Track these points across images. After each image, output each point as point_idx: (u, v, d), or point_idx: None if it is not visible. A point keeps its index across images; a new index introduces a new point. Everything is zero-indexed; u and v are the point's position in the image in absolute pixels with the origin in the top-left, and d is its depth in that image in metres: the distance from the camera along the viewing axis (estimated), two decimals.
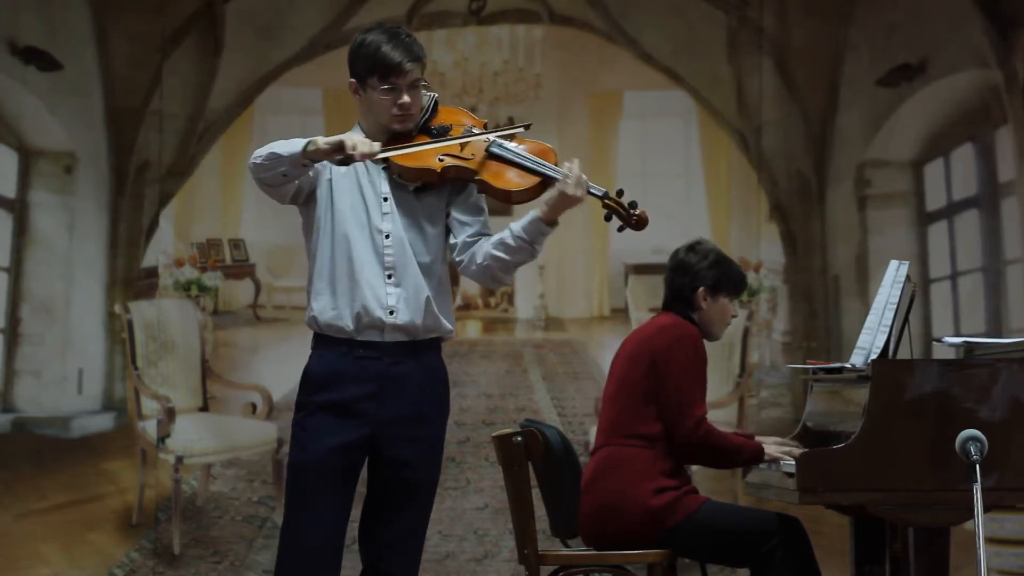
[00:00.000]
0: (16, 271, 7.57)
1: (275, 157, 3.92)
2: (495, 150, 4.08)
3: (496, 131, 4.12)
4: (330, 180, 4.06)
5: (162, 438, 7.49)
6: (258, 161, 3.94)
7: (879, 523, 4.84)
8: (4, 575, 7.30)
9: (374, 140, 4.05)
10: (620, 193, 4.07)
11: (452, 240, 4.12)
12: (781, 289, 7.66)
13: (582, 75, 7.80)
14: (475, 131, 4.11)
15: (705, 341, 5.00)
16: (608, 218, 4.08)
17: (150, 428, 7.52)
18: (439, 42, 7.73)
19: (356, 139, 3.88)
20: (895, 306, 4.75)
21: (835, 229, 7.67)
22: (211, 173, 7.71)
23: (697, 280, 4.97)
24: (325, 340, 4.04)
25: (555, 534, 5.16)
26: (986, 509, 3.77)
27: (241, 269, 7.72)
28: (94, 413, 7.60)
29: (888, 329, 4.72)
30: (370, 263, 4.01)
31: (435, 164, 4.02)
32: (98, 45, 7.63)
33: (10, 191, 7.58)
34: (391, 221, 4.03)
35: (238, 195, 7.72)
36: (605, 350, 7.73)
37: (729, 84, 7.72)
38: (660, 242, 7.70)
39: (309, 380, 4.05)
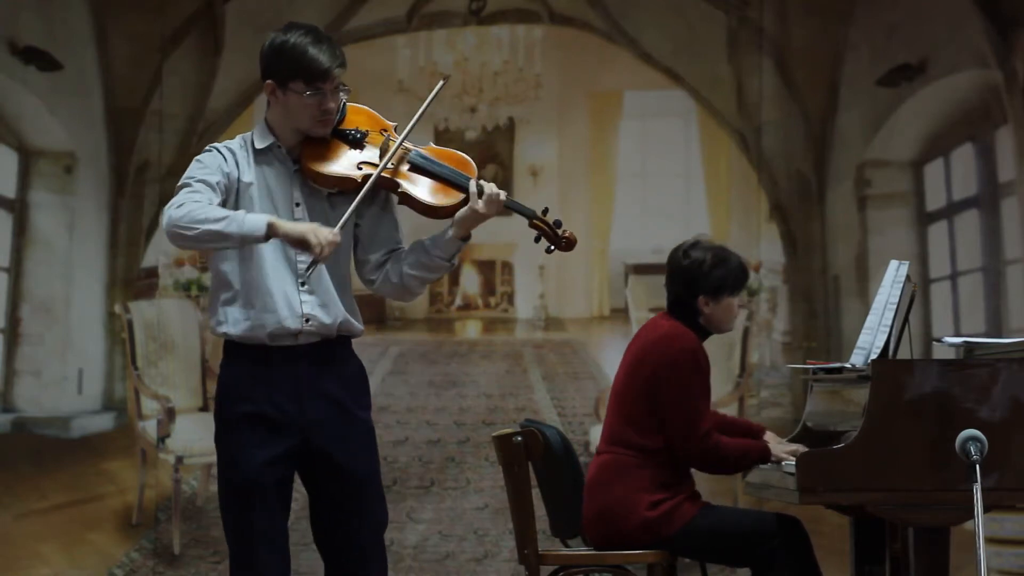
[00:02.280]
0: (16, 271, 7.57)
1: (218, 235, 3.74)
2: (418, 161, 3.99)
3: (409, 128, 3.99)
4: (242, 188, 3.94)
5: (162, 438, 7.49)
6: (188, 233, 3.74)
7: (879, 523, 4.84)
8: (4, 575, 7.30)
9: (287, 143, 3.96)
10: (545, 212, 4.03)
11: (362, 256, 4.05)
12: (781, 289, 7.66)
13: (582, 75, 7.80)
14: (391, 138, 3.99)
15: (715, 337, 5.01)
16: (537, 239, 4.04)
17: (150, 428, 7.52)
18: (439, 42, 7.73)
19: (320, 234, 3.74)
20: (895, 306, 4.75)
21: (835, 229, 7.67)
22: None
23: (695, 288, 4.90)
24: (237, 348, 3.94)
25: (555, 534, 5.16)
26: (986, 509, 3.77)
27: None
28: (94, 413, 7.60)
29: (888, 329, 4.72)
30: (282, 272, 3.92)
31: (355, 173, 3.94)
32: (98, 45, 7.63)
33: (10, 191, 7.58)
34: None
35: None
36: (605, 350, 7.74)
37: (729, 84, 7.72)
38: (660, 242, 7.71)
39: (227, 392, 3.96)
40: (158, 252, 7.65)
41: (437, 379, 7.54)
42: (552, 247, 4.05)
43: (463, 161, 4.03)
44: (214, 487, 7.54)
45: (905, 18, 7.59)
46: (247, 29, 7.64)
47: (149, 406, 7.55)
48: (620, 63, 7.75)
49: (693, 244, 4.99)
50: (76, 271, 7.60)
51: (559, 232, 4.02)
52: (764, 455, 4.82)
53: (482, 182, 3.95)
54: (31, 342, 7.58)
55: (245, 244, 3.81)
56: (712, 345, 5.04)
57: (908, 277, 4.79)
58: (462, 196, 3.96)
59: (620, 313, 7.74)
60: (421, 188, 3.97)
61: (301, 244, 3.76)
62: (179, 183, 3.91)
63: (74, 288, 7.60)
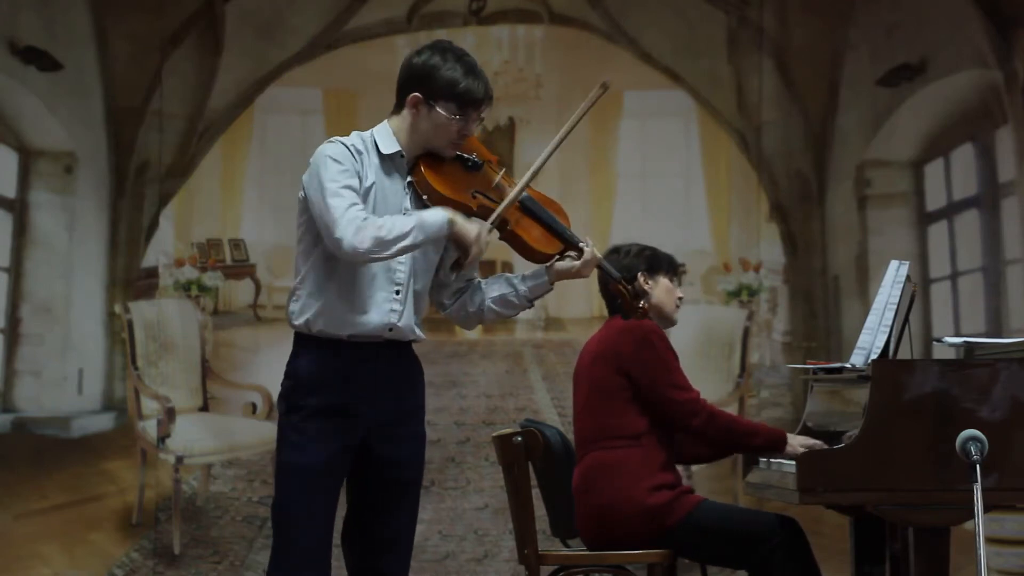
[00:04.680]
0: (16, 271, 7.57)
1: (409, 248, 3.89)
2: (529, 204, 4.10)
3: (531, 172, 4.09)
4: (363, 190, 3.99)
5: (162, 438, 7.50)
6: (383, 255, 3.87)
7: (879, 523, 4.84)
8: (4, 575, 7.30)
9: (409, 153, 4.03)
10: (631, 280, 4.22)
11: (445, 279, 4.14)
12: (781, 289, 7.66)
13: (582, 75, 7.80)
14: (500, 173, 4.09)
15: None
16: (616, 301, 4.23)
17: (150, 428, 7.52)
18: None
19: (483, 240, 3.93)
20: (895, 306, 4.75)
21: (835, 229, 7.67)
22: (211, 173, 7.71)
23: (631, 271, 4.94)
24: (315, 341, 4.00)
25: (555, 534, 5.16)
26: (986, 509, 3.77)
27: (241, 269, 7.72)
28: (94, 413, 7.60)
29: (888, 329, 4.72)
30: (380, 278, 3.98)
31: (469, 200, 4.01)
32: (98, 45, 7.63)
33: (10, 191, 7.59)
34: None
35: (238, 195, 7.72)
36: None
37: (729, 84, 7.72)
38: (660, 242, 7.66)
39: (300, 382, 4.01)
40: (158, 252, 7.65)
41: (437, 379, 7.53)
42: (626, 315, 4.23)
43: (561, 211, 4.17)
44: (214, 487, 7.56)
45: (905, 18, 7.60)
46: (247, 29, 7.64)
47: (149, 406, 7.55)
48: (620, 63, 7.74)
49: (615, 248, 5.09)
50: (76, 271, 7.60)
51: (637, 305, 4.17)
52: (776, 440, 4.78)
53: (587, 247, 4.10)
54: (31, 342, 7.58)
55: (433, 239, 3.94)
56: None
57: (908, 277, 4.79)
58: (561, 247, 4.10)
59: None
60: (529, 231, 4.07)
61: (464, 244, 3.92)
62: (324, 185, 3.90)
63: (74, 288, 7.60)
